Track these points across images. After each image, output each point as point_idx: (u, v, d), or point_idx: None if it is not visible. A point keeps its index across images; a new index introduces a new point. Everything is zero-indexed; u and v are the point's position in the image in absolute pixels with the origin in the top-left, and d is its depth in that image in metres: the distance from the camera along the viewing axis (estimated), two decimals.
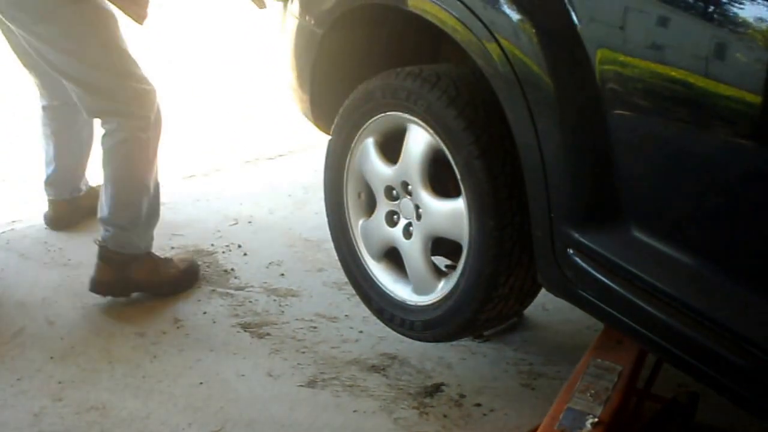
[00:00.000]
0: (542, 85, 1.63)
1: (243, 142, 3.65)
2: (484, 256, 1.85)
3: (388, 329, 2.21)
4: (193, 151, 3.57)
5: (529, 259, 1.84)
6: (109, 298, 2.54)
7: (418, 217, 2.01)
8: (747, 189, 1.45)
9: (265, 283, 2.65)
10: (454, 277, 1.96)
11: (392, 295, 2.14)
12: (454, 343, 2.29)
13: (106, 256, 2.52)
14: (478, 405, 2.11)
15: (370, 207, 2.17)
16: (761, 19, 1.35)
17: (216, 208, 3.11)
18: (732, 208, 1.49)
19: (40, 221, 2.94)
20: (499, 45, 1.68)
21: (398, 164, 2.02)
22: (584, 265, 1.67)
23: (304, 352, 2.32)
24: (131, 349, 2.33)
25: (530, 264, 1.85)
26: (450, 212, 1.93)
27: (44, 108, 2.81)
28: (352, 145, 2.13)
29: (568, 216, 1.68)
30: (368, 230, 2.18)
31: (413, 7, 1.89)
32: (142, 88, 2.48)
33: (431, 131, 1.89)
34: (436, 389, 2.16)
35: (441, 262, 2.13)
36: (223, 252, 2.82)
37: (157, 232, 2.90)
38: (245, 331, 2.41)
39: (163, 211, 3.02)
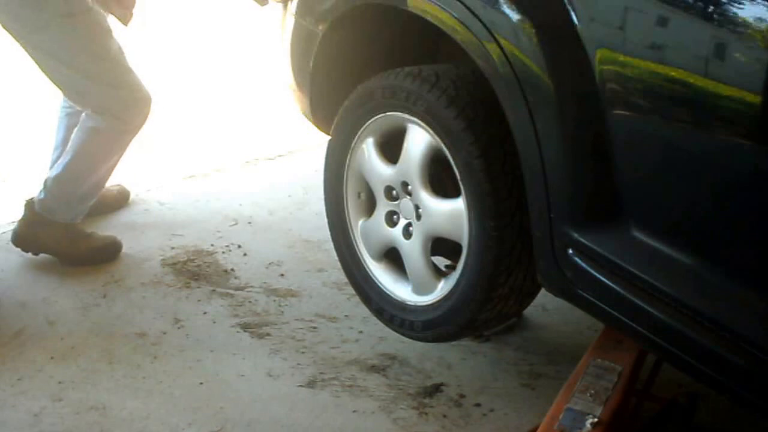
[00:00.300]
0: (542, 86, 1.63)
1: (243, 142, 3.65)
2: (483, 256, 1.85)
3: (388, 329, 2.21)
4: (193, 151, 3.56)
5: (528, 259, 1.84)
6: (108, 298, 2.54)
7: (418, 217, 2.01)
8: (746, 189, 1.45)
9: (265, 283, 2.65)
10: (454, 277, 1.96)
11: (392, 295, 2.14)
12: (454, 343, 2.29)
13: (28, 213, 2.70)
14: (478, 405, 2.11)
15: (370, 207, 2.17)
16: (761, 19, 1.35)
17: (216, 209, 3.11)
18: (731, 208, 1.49)
19: None
20: (499, 45, 1.68)
21: (398, 164, 2.02)
22: (584, 265, 1.67)
23: (303, 353, 2.32)
24: (131, 350, 2.33)
25: (530, 264, 1.85)
26: (450, 212, 1.93)
27: None
28: (352, 145, 2.13)
29: (567, 216, 1.68)
30: (368, 230, 2.18)
31: (413, 7, 1.89)
32: (133, 97, 2.60)
33: (431, 131, 1.89)
34: (435, 389, 2.16)
35: (441, 262, 2.13)
36: (223, 252, 2.81)
37: (157, 232, 2.91)
38: (245, 331, 2.41)
39: (163, 211, 3.04)
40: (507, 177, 1.79)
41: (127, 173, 3.06)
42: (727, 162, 1.46)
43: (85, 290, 2.59)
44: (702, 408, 1.95)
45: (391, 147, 2.05)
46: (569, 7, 1.58)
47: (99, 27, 2.54)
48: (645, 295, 1.58)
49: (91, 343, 2.35)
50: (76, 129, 2.70)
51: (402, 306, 2.11)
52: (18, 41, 2.54)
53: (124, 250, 2.78)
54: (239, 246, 2.85)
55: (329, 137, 2.23)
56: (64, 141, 2.87)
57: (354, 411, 2.10)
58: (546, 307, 2.45)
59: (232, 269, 2.72)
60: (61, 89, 2.68)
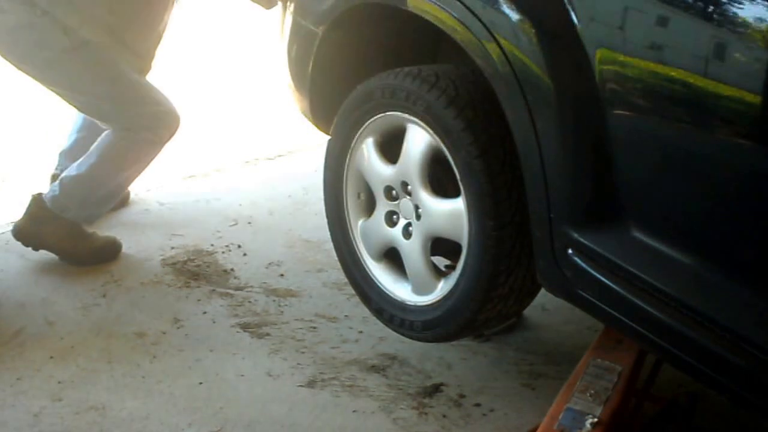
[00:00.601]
0: (542, 85, 1.63)
1: (243, 142, 3.65)
2: (483, 256, 1.85)
3: (387, 329, 2.21)
4: (193, 151, 3.56)
5: (528, 259, 1.84)
6: (108, 298, 2.54)
7: (418, 217, 2.01)
8: (746, 189, 1.45)
9: (265, 283, 2.65)
10: (454, 277, 1.96)
11: (392, 295, 2.14)
12: (454, 343, 2.29)
13: (34, 208, 2.68)
14: (478, 405, 2.11)
15: (370, 207, 2.16)
16: (761, 19, 1.35)
17: (216, 209, 3.11)
18: (731, 208, 1.49)
19: None
20: (499, 45, 1.68)
21: (398, 164, 2.02)
22: (584, 265, 1.67)
23: (303, 353, 2.32)
24: (131, 349, 2.33)
25: (530, 264, 1.85)
26: (449, 212, 1.92)
27: None
28: (352, 145, 2.12)
29: (567, 216, 1.68)
30: (368, 230, 2.18)
31: (413, 7, 1.89)
32: (159, 111, 2.63)
33: (430, 131, 1.89)
34: (435, 389, 2.16)
35: (440, 262, 2.12)
36: (223, 252, 2.82)
37: (157, 232, 2.91)
38: (245, 331, 2.41)
39: (163, 211, 3.04)
40: (507, 177, 1.79)
41: None
42: (727, 162, 1.46)
43: (85, 290, 2.59)
44: (702, 408, 1.95)
45: (390, 147, 2.05)
46: (569, 7, 1.58)
47: (107, 52, 2.55)
48: (645, 295, 1.58)
49: (91, 343, 2.35)
50: (105, 132, 2.68)
51: (402, 306, 2.11)
52: (35, 79, 2.60)
53: (124, 250, 2.79)
54: (239, 246, 2.85)
55: (329, 137, 2.23)
56: (84, 127, 2.87)
57: (354, 411, 2.10)
58: (546, 307, 2.45)
59: (232, 269, 2.72)
60: (88, 116, 2.72)
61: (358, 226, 2.20)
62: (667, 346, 1.58)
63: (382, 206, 2.11)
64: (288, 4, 2.35)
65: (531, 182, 1.71)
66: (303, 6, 2.26)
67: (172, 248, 2.82)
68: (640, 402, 1.89)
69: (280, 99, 2.74)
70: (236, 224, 3.00)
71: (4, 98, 4.06)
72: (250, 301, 2.55)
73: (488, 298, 1.90)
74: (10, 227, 2.81)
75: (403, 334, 2.16)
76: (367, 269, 2.19)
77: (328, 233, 2.31)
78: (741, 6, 1.37)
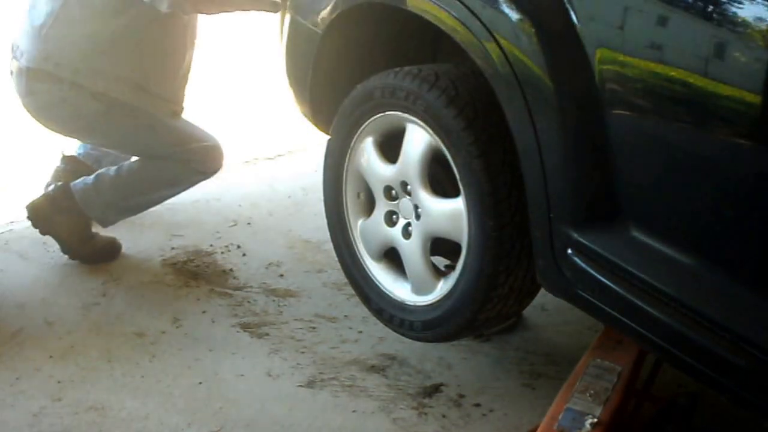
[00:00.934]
0: (541, 85, 1.63)
1: (243, 142, 3.65)
2: (483, 256, 1.85)
3: (387, 329, 2.21)
4: None
5: (528, 259, 1.84)
6: (107, 297, 2.54)
7: (418, 217, 2.00)
8: (746, 189, 1.45)
9: (265, 283, 2.65)
10: (454, 277, 1.96)
11: (391, 295, 2.14)
12: (454, 343, 2.29)
13: (57, 194, 2.66)
14: (478, 405, 2.11)
15: (370, 207, 2.16)
16: (761, 19, 1.35)
17: (215, 209, 3.11)
18: (731, 208, 1.49)
19: None
20: (499, 45, 1.68)
21: (397, 164, 2.01)
22: (583, 265, 1.67)
23: (303, 353, 2.32)
24: (130, 349, 2.33)
25: (529, 264, 1.85)
26: (449, 212, 1.92)
27: None
28: (352, 144, 2.12)
29: (567, 216, 1.68)
30: (367, 230, 2.18)
31: (413, 6, 1.89)
32: (206, 146, 2.70)
33: (430, 131, 1.89)
34: (435, 389, 2.16)
35: (440, 262, 2.12)
36: (222, 252, 2.81)
37: (157, 232, 2.91)
38: (244, 331, 2.41)
39: (163, 211, 3.03)
40: (506, 177, 1.79)
41: None
42: (726, 162, 1.46)
43: (85, 290, 2.58)
44: (702, 408, 1.95)
45: (390, 147, 2.05)
46: (569, 7, 1.58)
47: (140, 105, 2.63)
48: (645, 296, 1.58)
49: (90, 343, 2.35)
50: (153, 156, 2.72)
51: (401, 306, 2.11)
52: (85, 142, 2.79)
53: (123, 250, 2.78)
54: (238, 246, 2.85)
55: (328, 137, 2.22)
56: None
57: (353, 411, 2.10)
58: (546, 307, 2.45)
59: (232, 269, 2.72)
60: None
61: (357, 226, 2.20)
62: (667, 346, 1.58)
63: (382, 206, 2.11)
64: (288, 3, 2.35)
65: (531, 182, 1.71)
66: (303, 6, 2.26)
67: (172, 248, 2.82)
68: (639, 402, 1.89)
69: (280, 99, 2.74)
70: (236, 224, 3.00)
71: (4, 105, 4.05)
72: (249, 301, 2.55)
73: (488, 298, 1.90)
74: (9, 227, 2.81)
75: (402, 334, 2.15)
76: (366, 269, 2.19)
77: (328, 233, 2.31)
78: (741, 6, 1.37)
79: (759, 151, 1.42)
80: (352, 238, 2.22)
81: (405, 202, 2.04)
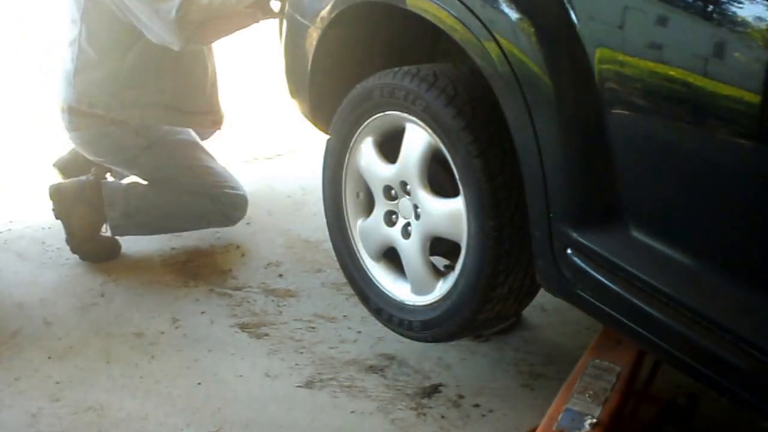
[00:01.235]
0: (541, 85, 1.62)
1: (242, 142, 3.64)
2: (482, 256, 1.85)
3: (386, 330, 2.20)
4: None
5: (527, 259, 1.84)
6: (106, 298, 2.54)
7: (417, 216, 2.00)
8: (746, 189, 1.45)
9: (264, 283, 2.64)
10: (453, 277, 1.96)
11: (391, 295, 2.13)
12: (453, 343, 2.29)
13: (87, 188, 2.71)
14: (477, 405, 2.10)
15: (369, 207, 2.16)
16: (761, 19, 1.35)
17: None
18: (731, 208, 1.48)
19: (37, 221, 2.94)
20: (498, 44, 1.68)
21: (397, 164, 2.01)
22: (583, 265, 1.66)
23: (302, 353, 2.31)
24: (129, 349, 2.32)
25: (529, 264, 1.84)
26: (448, 212, 1.92)
27: None
28: (351, 144, 2.12)
29: (566, 216, 1.68)
30: (367, 230, 2.17)
31: (412, 6, 1.89)
32: (235, 194, 2.79)
33: (430, 131, 1.89)
34: (434, 390, 2.16)
35: (440, 262, 2.12)
36: (222, 252, 2.81)
37: None
38: (243, 331, 2.41)
39: None
40: (506, 176, 1.78)
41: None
42: (726, 162, 1.46)
43: (83, 290, 2.58)
44: (701, 409, 1.95)
45: (389, 146, 2.04)
46: (568, 6, 1.58)
47: (179, 141, 2.76)
48: (644, 296, 1.58)
49: (89, 343, 2.35)
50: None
51: (400, 306, 2.11)
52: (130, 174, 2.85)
53: (123, 249, 2.78)
54: (237, 246, 2.84)
55: (328, 137, 2.22)
56: None
57: (352, 411, 2.09)
58: (545, 307, 2.45)
59: (230, 269, 2.71)
60: None
61: (357, 225, 2.20)
62: (667, 347, 1.57)
63: (381, 206, 2.10)
64: (287, 2, 2.35)
65: (530, 182, 1.71)
66: (302, 5, 2.26)
67: (171, 248, 2.82)
68: (639, 403, 1.89)
69: (279, 98, 2.74)
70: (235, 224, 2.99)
71: (4, 107, 4.05)
72: (248, 301, 2.55)
73: (487, 298, 1.89)
74: (8, 227, 2.81)
75: (401, 334, 2.15)
76: (365, 269, 2.19)
77: (327, 233, 2.30)
78: (741, 5, 1.37)
79: (759, 151, 1.41)
80: (351, 238, 2.21)
81: (404, 202, 2.03)
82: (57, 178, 2.94)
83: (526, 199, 1.75)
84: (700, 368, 1.53)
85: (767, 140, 1.39)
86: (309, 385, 2.19)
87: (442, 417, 2.07)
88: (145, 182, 2.78)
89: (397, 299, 2.12)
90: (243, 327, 2.42)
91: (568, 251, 1.69)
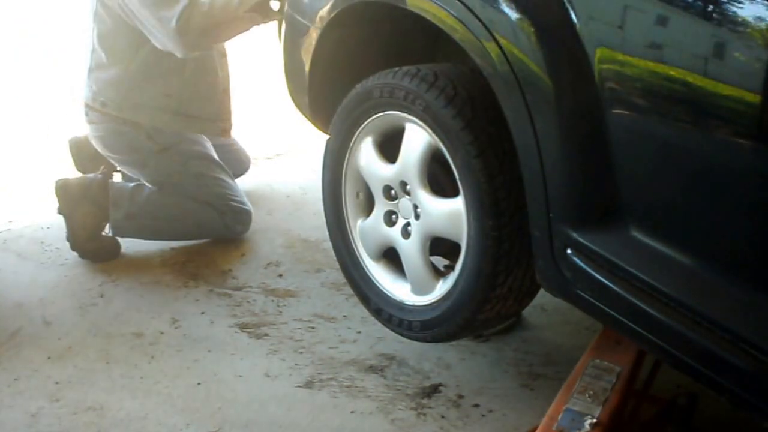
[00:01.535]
0: (541, 85, 1.62)
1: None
2: (482, 256, 1.84)
3: (386, 330, 2.20)
4: None
5: (527, 259, 1.84)
6: (105, 298, 2.54)
7: (417, 216, 2.00)
8: (746, 188, 1.44)
9: (264, 283, 2.64)
10: (453, 277, 1.95)
11: (390, 295, 2.13)
12: (453, 343, 2.29)
13: (95, 186, 2.73)
14: (477, 406, 2.10)
15: (369, 207, 2.16)
16: (761, 19, 1.35)
17: None
18: (731, 208, 1.48)
19: (37, 221, 2.94)
20: (498, 44, 1.68)
21: (396, 164, 2.01)
22: (583, 265, 1.66)
23: (302, 353, 2.31)
24: (129, 350, 2.32)
25: (529, 264, 1.84)
26: (448, 212, 1.92)
27: None
28: (350, 144, 2.12)
29: (566, 216, 1.68)
30: (366, 230, 2.17)
31: (412, 5, 1.88)
32: (241, 208, 2.81)
33: (429, 130, 1.89)
34: (434, 390, 2.16)
35: (439, 262, 2.12)
36: (222, 252, 2.81)
37: None
38: (243, 331, 2.41)
39: None
40: (506, 176, 1.78)
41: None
42: (726, 161, 1.46)
43: (83, 290, 2.58)
44: (701, 409, 1.95)
45: (389, 146, 2.04)
46: (568, 6, 1.58)
47: (193, 151, 2.78)
48: (644, 296, 1.58)
49: (89, 343, 2.35)
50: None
51: (400, 306, 2.10)
52: (136, 176, 2.84)
53: (123, 249, 2.78)
54: (237, 246, 2.84)
55: (327, 136, 2.22)
56: None
57: (352, 412, 2.09)
58: (545, 307, 2.45)
59: (230, 269, 2.71)
60: None
61: (356, 225, 2.20)
62: (666, 347, 1.57)
63: (381, 206, 2.10)
64: (287, 2, 2.35)
65: (530, 182, 1.71)
66: (301, 5, 2.26)
67: (171, 248, 2.82)
68: (638, 403, 1.88)
69: (279, 98, 2.74)
70: None
71: (4, 108, 4.05)
72: (248, 302, 2.55)
73: (487, 299, 1.89)
74: (7, 227, 2.81)
75: (401, 335, 2.15)
76: (365, 269, 2.19)
77: (327, 233, 2.30)
78: (741, 5, 1.36)
79: (759, 151, 1.41)
80: (351, 238, 2.21)
81: (404, 202, 2.03)
82: (68, 155, 3.01)
83: (525, 199, 1.74)
84: (700, 368, 1.52)
85: (767, 140, 1.39)
86: (309, 385, 2.19)
87: (442, 417, 2.07)
88: (151, 186, 2.79)
89: (397, 299, 2.12)
90: (243, 327, 2.42)
91: (568, 251, 1.69)
